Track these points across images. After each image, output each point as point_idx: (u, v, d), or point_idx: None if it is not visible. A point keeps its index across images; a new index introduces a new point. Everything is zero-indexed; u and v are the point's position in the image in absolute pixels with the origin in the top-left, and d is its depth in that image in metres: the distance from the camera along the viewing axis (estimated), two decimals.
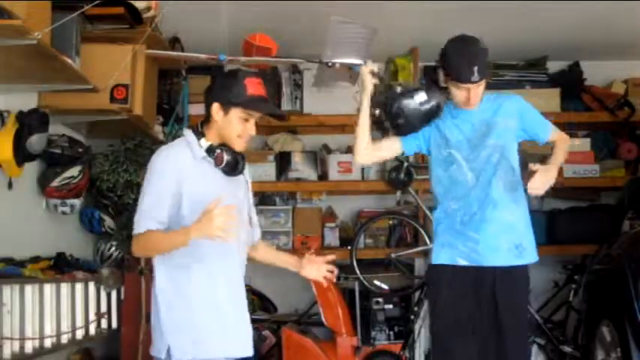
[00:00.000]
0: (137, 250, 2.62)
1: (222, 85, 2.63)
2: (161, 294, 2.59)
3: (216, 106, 2.59)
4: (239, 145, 2.63)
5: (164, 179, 2.54)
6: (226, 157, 2.59)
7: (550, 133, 3.16)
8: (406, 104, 3.03)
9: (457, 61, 2.92)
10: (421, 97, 3.01)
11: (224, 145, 2.62)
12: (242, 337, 2.66)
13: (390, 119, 3.08)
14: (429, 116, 3.06)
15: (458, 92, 2.99)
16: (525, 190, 2.97)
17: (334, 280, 2.93)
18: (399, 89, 3.06)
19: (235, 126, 2.59)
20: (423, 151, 3.23)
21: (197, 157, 2.60)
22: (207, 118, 2.65)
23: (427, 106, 3.03)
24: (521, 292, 3.09)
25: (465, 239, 3.05)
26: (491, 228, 3.01)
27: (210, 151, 2.60)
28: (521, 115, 3.09)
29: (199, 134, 2.63)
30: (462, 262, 3.06)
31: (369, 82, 3.13)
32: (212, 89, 2.65)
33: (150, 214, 2.52)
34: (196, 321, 2.56)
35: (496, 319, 3.00)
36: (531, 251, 3.09)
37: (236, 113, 2.59)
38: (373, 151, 3.20)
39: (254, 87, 2.60)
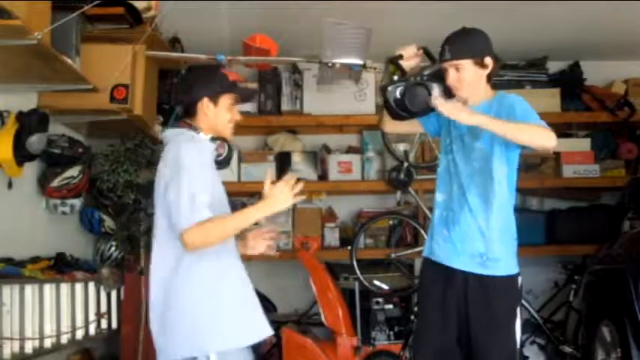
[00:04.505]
0: (200, 240, 2.47)
1: (206, 79, 2.73)
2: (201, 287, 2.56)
3: (205, 101, 2.69)
4: (229, 133, 2.77)
5: (202, 171, 2.58)
6: (222, 151, 2.75)
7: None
8: (388, 92, 3.02)
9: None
10: (396, 92, 2.98)
11: (216, 139, 2.74)
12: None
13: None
14: (397, 110, 3.02)
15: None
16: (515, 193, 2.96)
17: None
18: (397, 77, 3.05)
19: (225, 113, 2.72)
20: (436, 134, 3.23)
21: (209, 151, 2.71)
22: (190, 117, 2.71)
23: (395, 100, 2.99)
24: (496, 307, 2.88)
25: (439, 234, 3.02)
26: (461, 230, 2.93)
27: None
28: (508, 113, 2.84)
29: (196, 129, 2.69)
30: (432, 256, 3.04)
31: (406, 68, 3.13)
32: (193, 86, 2.72)
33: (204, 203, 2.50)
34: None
35: (467, 328, 2.89)
36: (503, 265, 2.91)
37: (225, 101, 2.71)
38: (397, 124, 3.21)
39: (230, 75, 2.80)
